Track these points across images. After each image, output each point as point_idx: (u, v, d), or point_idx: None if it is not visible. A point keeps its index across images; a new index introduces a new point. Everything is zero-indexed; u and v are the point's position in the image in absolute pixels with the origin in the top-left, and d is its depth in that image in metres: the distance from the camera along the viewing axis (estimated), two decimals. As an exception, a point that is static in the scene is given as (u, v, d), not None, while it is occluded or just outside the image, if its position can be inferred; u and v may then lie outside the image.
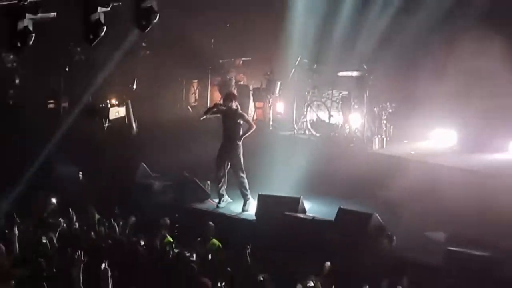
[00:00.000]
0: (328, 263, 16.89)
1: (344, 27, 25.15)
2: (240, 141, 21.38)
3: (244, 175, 21.52)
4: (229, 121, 21.58)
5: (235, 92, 23.16)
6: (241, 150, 21.48)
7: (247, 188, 21.52)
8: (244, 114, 22.04)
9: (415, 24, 23.93)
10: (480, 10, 22.76)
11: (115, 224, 19.08)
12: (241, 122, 21.51)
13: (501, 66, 21.87)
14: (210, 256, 17.78)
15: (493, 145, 22.64)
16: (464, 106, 22.89)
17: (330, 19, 25.28)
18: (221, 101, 23.11)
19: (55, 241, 17.69)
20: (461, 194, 20.25)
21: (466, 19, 23.06)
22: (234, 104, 21.66)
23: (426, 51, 23.54)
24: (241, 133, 21.43)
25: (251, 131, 21.46)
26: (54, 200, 20.17)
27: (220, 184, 21.74)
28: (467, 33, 22.60)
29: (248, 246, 17.18)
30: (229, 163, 21.60)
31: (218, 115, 21.80)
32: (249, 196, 21.50)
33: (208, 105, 26.24)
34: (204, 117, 22.28)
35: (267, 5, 26.29)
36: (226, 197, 21.82)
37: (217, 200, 21.91)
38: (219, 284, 15.66)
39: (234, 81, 26.56)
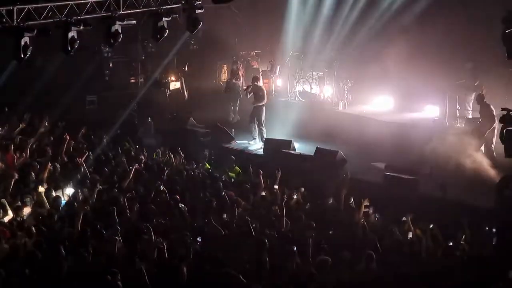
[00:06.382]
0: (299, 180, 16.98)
1: (321, 28, 24.85)
2: (262, 105, 21.68)
3: (264, 128, 21.66)
4: (256, 93, 21.89)
5: (258, 76, 23.21)
6: (263, 111, 21.66)
7: (264, 135, 21.58)
8: (264, 89, 22.31)
9: (367, 28, 23.78)
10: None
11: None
12: (261, 94, 21.77)
13: (421, 58, 21.93)
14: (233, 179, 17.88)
15: (414, 107, 22.61)
16: (396, 82, 22.87)
17: (312, 22, 24.99)
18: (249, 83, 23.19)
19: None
20: (394, 138, 20.36)
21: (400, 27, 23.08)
22: (259, 83, 22.13)
23: (374, 46, 23.30)
24: (263, 101, 21.69)
25: (265, 101, 21.80)
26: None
27: (254, 132, 21.81)
28: (399, 37, 22.60)
29: (260, 171, 17.00)
30: (256, 119, 21.69)
31: (252, 91, 22.06)
32: (264, 139, 21.47)
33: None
34: (248, 95, 22.42)
35: (271, 13, 26.15)
36: (256, 139, 21.83)
37: (239, 141, 22.03)
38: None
39: (243, 65, 26.19)
